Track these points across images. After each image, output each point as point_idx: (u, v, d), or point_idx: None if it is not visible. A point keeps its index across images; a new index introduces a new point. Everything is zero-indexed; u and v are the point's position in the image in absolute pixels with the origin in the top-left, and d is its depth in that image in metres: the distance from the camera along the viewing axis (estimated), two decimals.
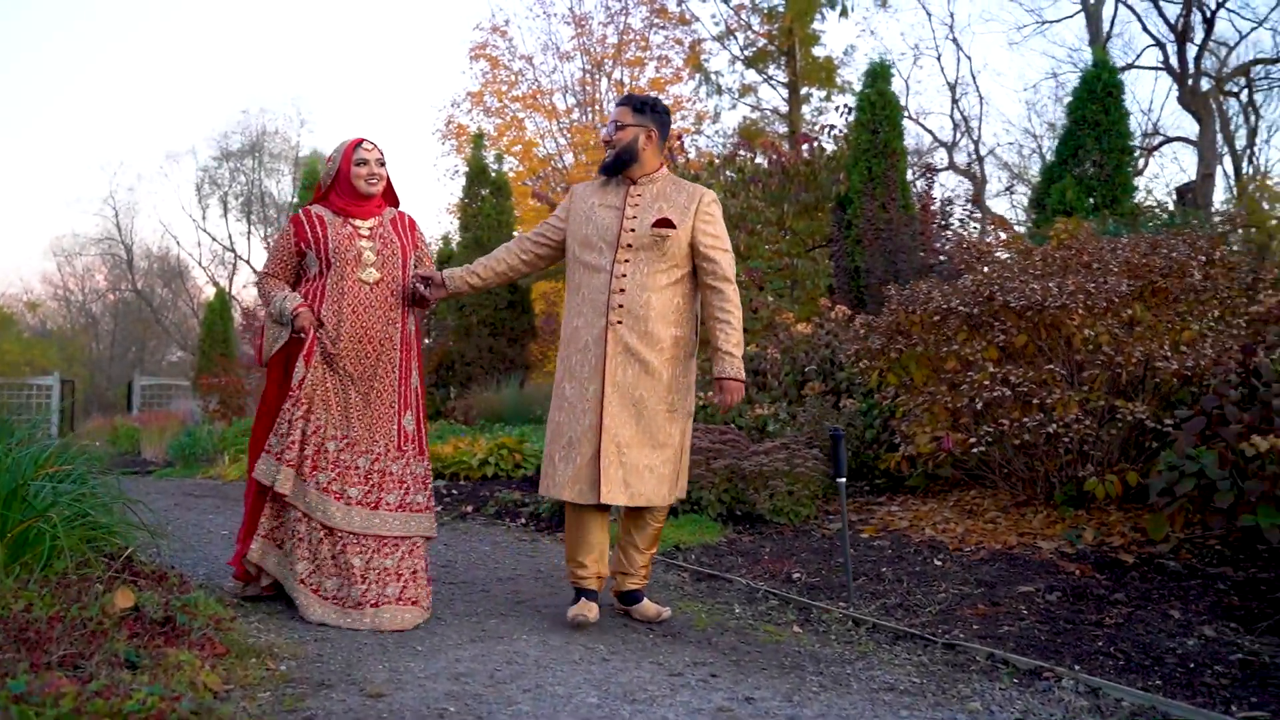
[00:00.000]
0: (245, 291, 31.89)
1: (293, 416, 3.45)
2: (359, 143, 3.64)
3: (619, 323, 3.34)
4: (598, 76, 20.80)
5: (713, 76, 20.28)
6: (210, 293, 25.91)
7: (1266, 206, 21.01)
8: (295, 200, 11.66)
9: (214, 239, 36.32)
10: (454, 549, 5.01)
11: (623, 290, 3.36)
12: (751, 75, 20.17)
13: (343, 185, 3.63)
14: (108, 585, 3.01)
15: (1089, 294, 4.36)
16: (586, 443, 3.31)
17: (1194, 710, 2.41)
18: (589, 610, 3.39)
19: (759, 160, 12.03)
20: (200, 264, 38.03)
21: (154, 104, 50.33)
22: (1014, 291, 4.48)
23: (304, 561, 3.43)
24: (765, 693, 2.68)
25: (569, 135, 20.38)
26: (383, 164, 3.66)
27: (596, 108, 20.48)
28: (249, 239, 34.21)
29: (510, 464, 7.56)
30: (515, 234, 13.03)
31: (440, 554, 4.81)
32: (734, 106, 20.33)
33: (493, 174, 13.18)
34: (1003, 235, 8.13)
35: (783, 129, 19.24)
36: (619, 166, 3.50)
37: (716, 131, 20.79)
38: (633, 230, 3.41)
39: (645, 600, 3.54)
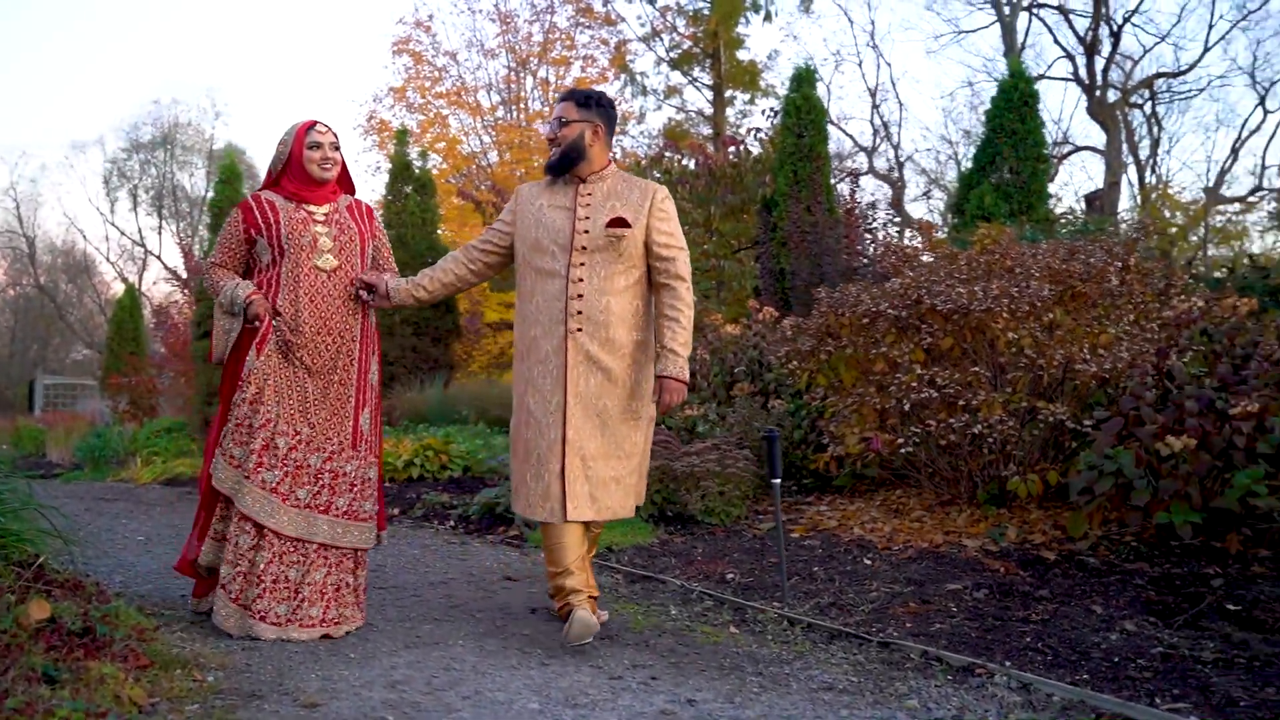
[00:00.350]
0: (156, 288, 30.92)
1: (240, 412, 3.27)
2: (312, 125, 3.47)
3: (579, 330, 3.20)
4: (523, 75, 20.66)
5: (638, 77, 20.34)
6: (119, 289, 25.03)
7: (1168, 214, 21.84)
8: (211, 195, 11.28)
9: (123, 233, 35.21)
10: (383, 552, 4.91)
11: (580, 295, 3.22)
12: (677, 77, 20.29)
13: (295, 170, 3.45)
14: (20, 596, 2.87)
15: (1013, 298, 4.47)
16: (553, 458, 3.16)
17: (1122, 703, 2.49)
18: (589, 620, 3.09)
19: (686, 162, 12.09)
20: (108, 259, 36.75)
21: (59, 92, 48.50)
22: (941, 295, 4.58)
23: (227, 565, 3.27)
24: (706, 694, 2.68)
25: (494, 133, 20.20)
26: (337, 148, 3.49)
27: (521, 106, 20.35)
28: (160, 234, 33.19)
29: (436, 465, 7.47)
30: (439, 231, 12.86)
31: (370, 558, 4.71)
32: (659, 108, 20.44)
33: (417, 171, 12.99)
34: (927, 240, 8.30)
35: (707, 131, 19.38)
36: (566, 165, 3.33)
37: (642, 132, 20.84)
38: (586, 231, 3.26)
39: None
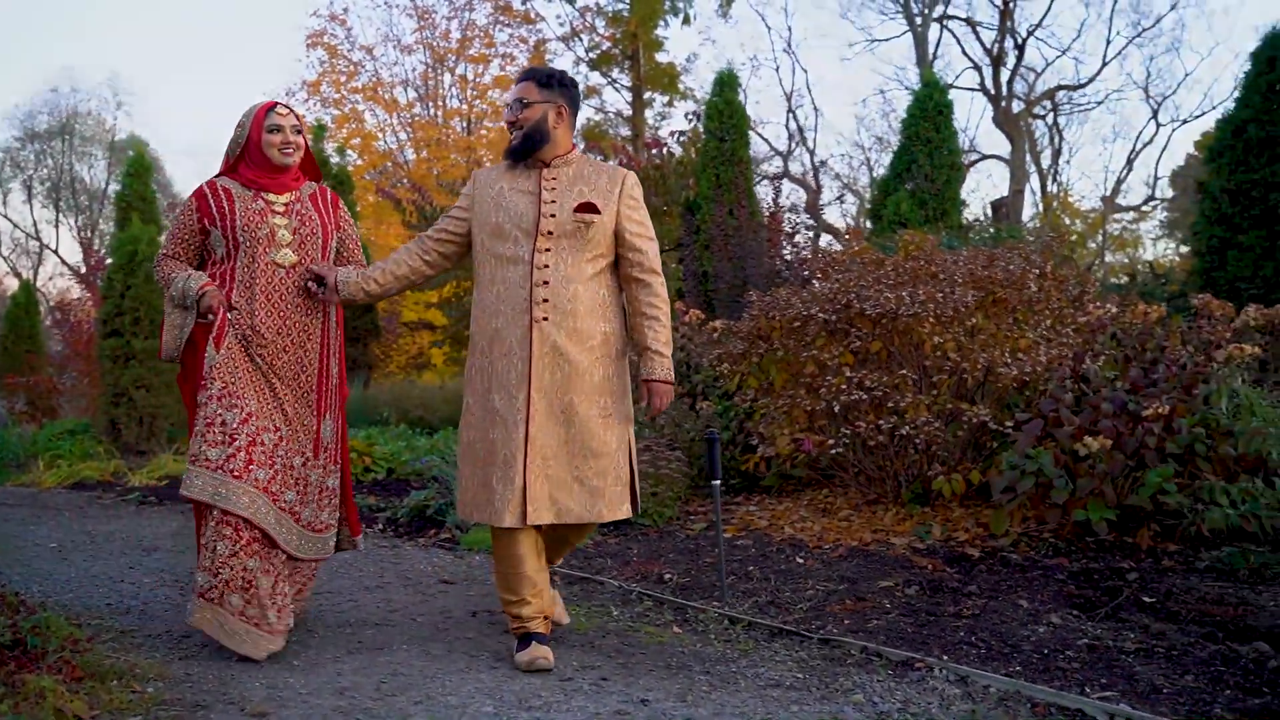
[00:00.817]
0: (53, 284, 29.64)
1: (209, 411, 3.02)
2: (271, 106, 3.27)
3: (544, 319, 2.99)
4: (440, 71, 20.45)
5: None
6: (13, 285, 23.96)
7: (1068, 222, 22.71)
8: (118, 188, 10.80)
9: (16, 226, 33.53)
10: None
11: (546, 283, 3.00)
12: (596, 78, 20.31)
13: (253, 155, 3.24)
14: None
15: (938, 304, 4.62)
16: (518, 458, 2.94)
17: (1055, 693, 2.61)
18: (544, 654, 2.97)
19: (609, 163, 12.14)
20: (0, 253, 35.10)
21: None
22: (870, 300, 4.70)
23: (204, 573, 3.00)
24: (658, 694, 2.72)
25: (410, 130, 19.95)
26: (299, 131, 3.29)
27: (439, 103, 20.14)
28: (57, 227, 31.81)
29: (360, 468, 7.36)
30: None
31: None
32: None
33: (333, 167, 12.76)
34: (850, 245, 8.49)
35: (626, 132, 19.46)
36: (528, 149, 3.10)
37: None
38: (553, 216, 3.05)
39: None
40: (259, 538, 3.02)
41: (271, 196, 3.25)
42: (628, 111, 19.98)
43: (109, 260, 10.63)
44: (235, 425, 3.01)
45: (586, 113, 20.16)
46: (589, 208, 3.07)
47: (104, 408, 9.59)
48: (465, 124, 19.99)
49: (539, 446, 2.97)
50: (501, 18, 20.17)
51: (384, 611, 3.71)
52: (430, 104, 20.32)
